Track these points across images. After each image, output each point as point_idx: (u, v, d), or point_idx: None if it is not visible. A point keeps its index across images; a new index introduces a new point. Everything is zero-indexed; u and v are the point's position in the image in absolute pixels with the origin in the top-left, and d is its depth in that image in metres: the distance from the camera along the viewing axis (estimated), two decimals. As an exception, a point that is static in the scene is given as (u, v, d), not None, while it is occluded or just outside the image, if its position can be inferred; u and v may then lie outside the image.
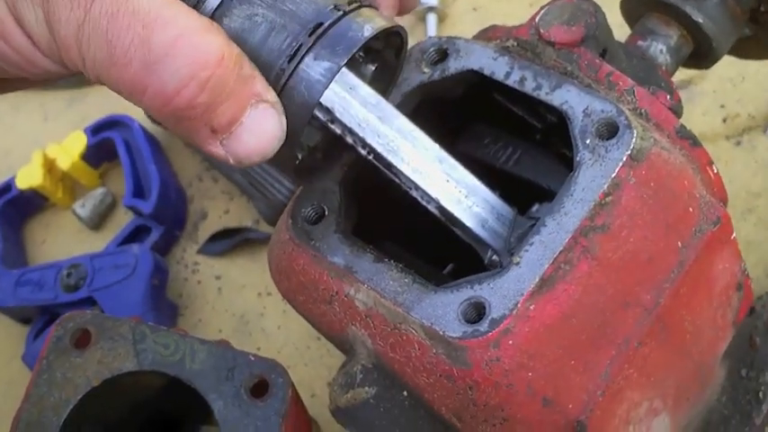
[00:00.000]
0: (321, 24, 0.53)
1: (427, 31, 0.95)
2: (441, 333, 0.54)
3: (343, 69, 0.57)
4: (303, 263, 0.60)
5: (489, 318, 0.54)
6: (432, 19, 0.95)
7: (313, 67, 0.52)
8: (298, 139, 0.55)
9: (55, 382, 0.66)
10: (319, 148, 0.62)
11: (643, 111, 0.59)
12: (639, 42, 0.68)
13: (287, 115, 0.53)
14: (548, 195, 0.63)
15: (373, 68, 0.61)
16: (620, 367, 0.56)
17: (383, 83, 0.62)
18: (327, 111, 0.57)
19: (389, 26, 0.56)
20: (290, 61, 0.52)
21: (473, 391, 0.54)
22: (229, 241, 0.93)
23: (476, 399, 0.54)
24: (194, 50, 0.48)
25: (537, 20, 0.62)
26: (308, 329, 0.88)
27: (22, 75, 0.53)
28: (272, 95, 0.51)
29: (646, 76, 0.64)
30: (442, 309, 0.55)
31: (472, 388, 0.54)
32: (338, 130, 0.58)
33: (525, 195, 0.62)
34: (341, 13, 0.53)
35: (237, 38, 0.53)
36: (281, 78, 0.52)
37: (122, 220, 0.99)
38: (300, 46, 0.52)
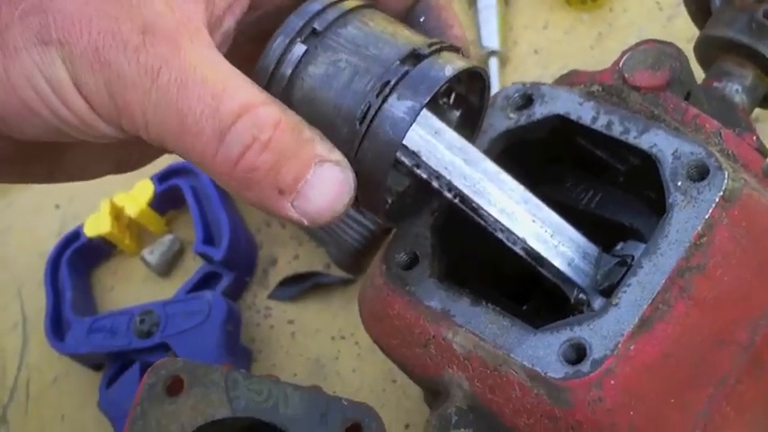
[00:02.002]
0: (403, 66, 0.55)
1: (490, 74, 0.96)
2: (542, 374, 0.56)
3: (428, 114, 0.59)
4: (398, 308, 0.62)
5: (591, 358, 0.55)
6: (494, 63, 0.96)
7: (397, 107, 0.54)
8: (385, 181, 0.56)
9: (150, 430, 0.67)
10: (408, 194, 0.63)
11: (731, 152, 0.60)
12: (715, 84, 0.69)
13: (373, 155, 0.55)
14: (631, 234, 0.64)
15: (458, 113, 0.63)
16: (717, 405, 0.57)
17: (469, 128, 0.63)
18: (413, 155, 0.59)
19: (469, 67, 0.57)
20: (374, 101, 0.54)
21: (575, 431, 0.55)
22: (301, 286, 0.94)
23: (578, 439, 0.55)
24: (255, 117, 0.51)
25: (621, 65, 0.64)
26: (383, 373, 0.89)
27: (80, 137, 0.54)
28: (336, 155, 0.53)
29: (726, 116, 0.65)
30: (542, 350, 0.56)
31: (574, 428, 0.55)
32: (424, 175, 0.60)
33: (607, 235, 0.63)
34: (423, 54, 0.55)
35: (325, 82, 0.55)
36: (366, 117, 0.54)
37: (190, 266, 1.00)
38: (384, 87, 0.54)
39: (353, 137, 0.54)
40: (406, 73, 0.54)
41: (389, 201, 0.62)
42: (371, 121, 0.54)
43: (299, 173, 0.52)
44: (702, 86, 0.69)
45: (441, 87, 0.55)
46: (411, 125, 0.54)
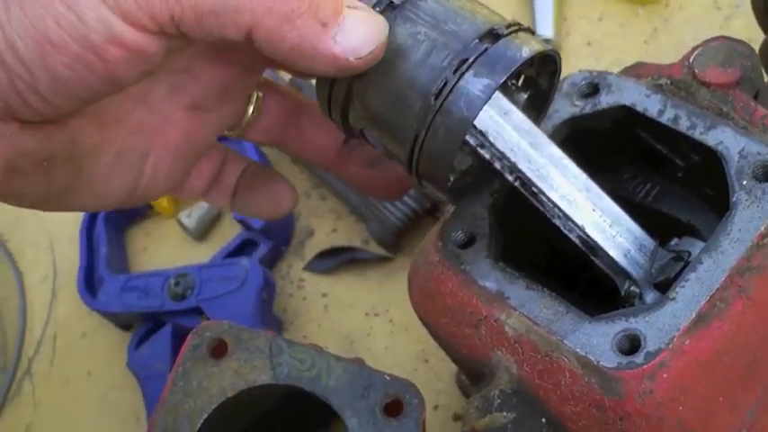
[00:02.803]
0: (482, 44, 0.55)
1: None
2: (595, 363, 0.55)
3: (499, 95, 0.59)
4: (452, 285, 0.61)
5: (645, 350, 0.55)
6: (546, 51, 0.96)
7: (473, 84, 0.54)
8: (454, 157, 0.56)
9: (191, 391, 0.67)
10: (470, 172, 0.63)
11: (796, 154, 0.60)
12: (779, 86, 0.69)
13: (445, 131, 0.55)
14: (687, 230, 0.64)
15: (526, 96, 0.63)
16: (765, 407, 0.57)
17: (535, 111, 0.63)
18: (480, 134, 0.59)
19: (545, 50, 0.57)
20: (450, 77, 0.54)
21: (623, 422, 0.55)
22: (337, 259, 0.94)
23: (625, 430, 0.55)
24: None
25: (691, 60, 0.63)
26: (415, 352, 0.89)
27: (117, 68, 0.52)
28: (361, 4, 0.55)
29: (790, 119, 0.65)
30: (596, 339, 0.56)
31: (623, 419, 0.55)
32: (487, 155, 0.60)
33: (662, 230, 0.63)
34: (501, 34, 0.55)
35: (401, 53, 0.55)
36: (441, 93, 0.54)
37: (225, 232, 1.00)
38: (462, 63, 0.54)
39: (427, 111, 0.54)
40: (484, 51, 0.54)
41: (452, 178, 0.62)
42: (447, 96, 0.54)
43: (337, 7, 0.53)
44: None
45: (517, 68, 0.54)
46: (486, 103, 0.54)
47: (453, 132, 0.55)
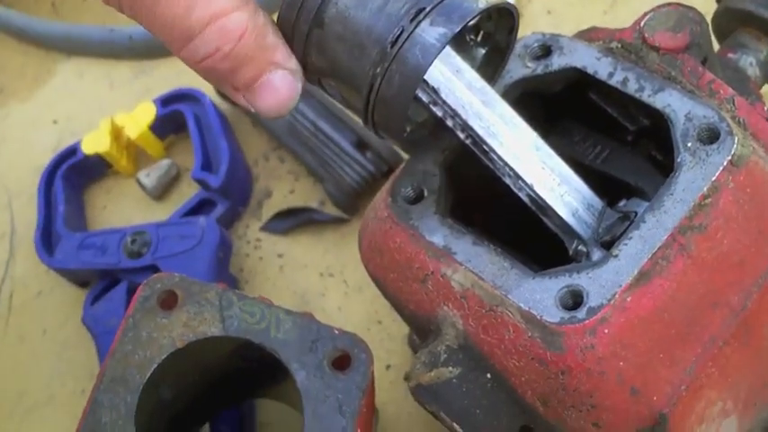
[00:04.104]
0: None
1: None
2: (538, 317, 0.56)
3: (452, 52, 0.60)
4: (400, 241, 0.62)
5: (587, 306, 0.56)
6: (507, 18, 0.97)
7: (429, 32, 0.55)
8: (408, 106, 0.57)
9: (140, 341, 0.67)
10: (426, 126, 0.64)
11: (741, 119, 0.61)
12: (730, 55, 0.70)
13: (400, 78, 0.56)
14: (635, 192, 0.65)
15: (483, 52, 0.64)
16: (703, 365, 0.58)
17: (492, 67, 0.64)
18: (433, 91, 0.60)
19: (502, 2, 0.58)
20: (407, 26, 0.55)
21: (565, 376, 0.56)
22: (293, 220, 0.94)
23: (566, 384, 0.56)
24: (222, 28, 0.55)
25: (642, 24, 0.64)
26: (368, 313, 0.90)
27: None
28: (292, 64, 0.58)
29: (738, 87, 0.65)
30: (540, 294, 0.57)
31: (564, 373, 0.56)
32: (440, 113, 0.61)
33: (611, 192, 0.64)
34: None
35: (359, 2, 0.56)
36: (398, 41, 0.55)
37: (184, 192, 1.00)
38: (419, 12, 0.55)
39: (383, 59, 0.55)
40: (441, 1, 0.55)
41: (408, 129, 0.63)
42: (402, 44, 0.55)
43: (254, 77, 0.57)
44: (717, 55, 0.69)
45: (473, 18, 0.55)
46: (441, 51, 0.55)
47: (408, 80, 0.56)
